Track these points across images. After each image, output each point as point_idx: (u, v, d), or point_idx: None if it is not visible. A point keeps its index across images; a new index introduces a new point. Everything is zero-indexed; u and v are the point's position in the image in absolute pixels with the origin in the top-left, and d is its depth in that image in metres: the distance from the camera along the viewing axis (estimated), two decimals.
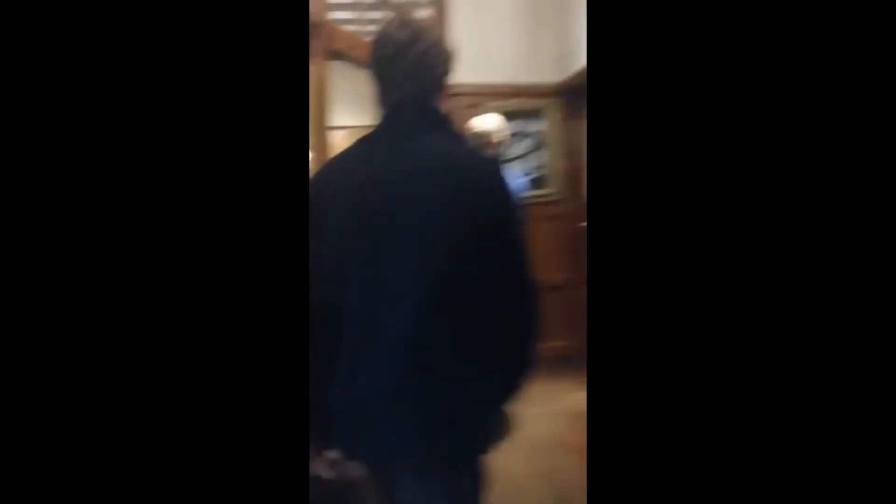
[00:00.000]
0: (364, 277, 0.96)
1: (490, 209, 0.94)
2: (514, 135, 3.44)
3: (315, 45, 1.96)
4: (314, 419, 0.87)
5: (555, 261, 3.51)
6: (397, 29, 1.01)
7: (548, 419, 2.75)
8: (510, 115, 3.44)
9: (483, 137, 2.28)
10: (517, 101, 3.53)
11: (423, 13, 3.24)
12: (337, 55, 2.35)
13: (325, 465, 1.10)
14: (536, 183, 3.57)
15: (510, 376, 1.01)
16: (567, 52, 3.41)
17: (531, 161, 3.61)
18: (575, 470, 2.24)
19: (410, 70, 0.99)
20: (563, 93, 3.54)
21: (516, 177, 2.72)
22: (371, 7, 3.10)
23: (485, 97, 3.40)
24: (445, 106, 1.06)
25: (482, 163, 1.01)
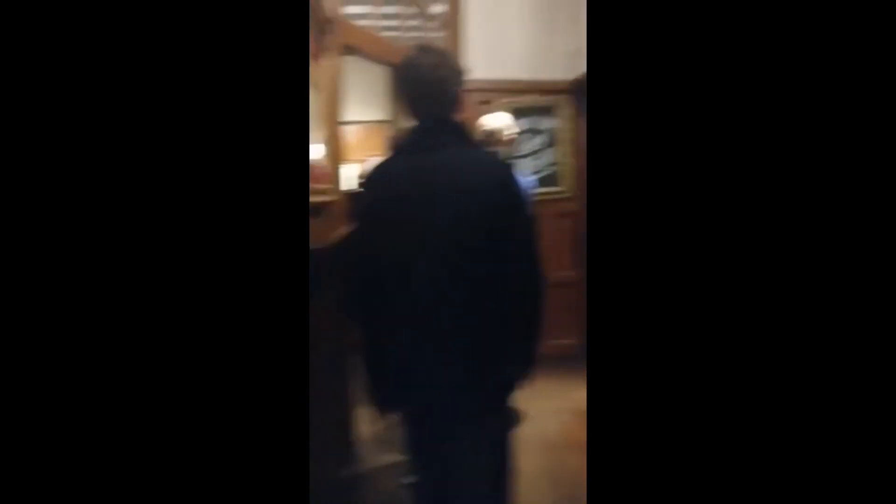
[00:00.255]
0: (406, 260, 1.21)
1: (503, 202, 1.19)
2: (526, 132, 3.43)
3: (329, 41, 1.96)
4: (373, 386, 1.29)
5: (565, 258, 3.50)
6: (422, 56, 1.28)
7: (557, 416, 2.75)
8: (523, 112, 3.43)
9: (493, 135, 2.29)
10: (530, 98, 3.52)
11: (438, 8, 3.24)
12: (351, 50, 2.36)
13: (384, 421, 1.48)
14: (548, 180, 3.56)
15: (526, 332, 1.26)
16: (579, 49, 3.39)
17: (543, 158, 3.60)
18: (584, 467, 2.24)
19: (434, 92, 1.26)
20: (575, 90, 3.52)
21: (526, 175, 2.72)
22: (385, 2, 3.10)
23: (497, 93, 3.40)
24: (461, 115, 1.31)
25: (496, 165, 1.24)
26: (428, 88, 1.27)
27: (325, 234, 1.47)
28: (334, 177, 1.98)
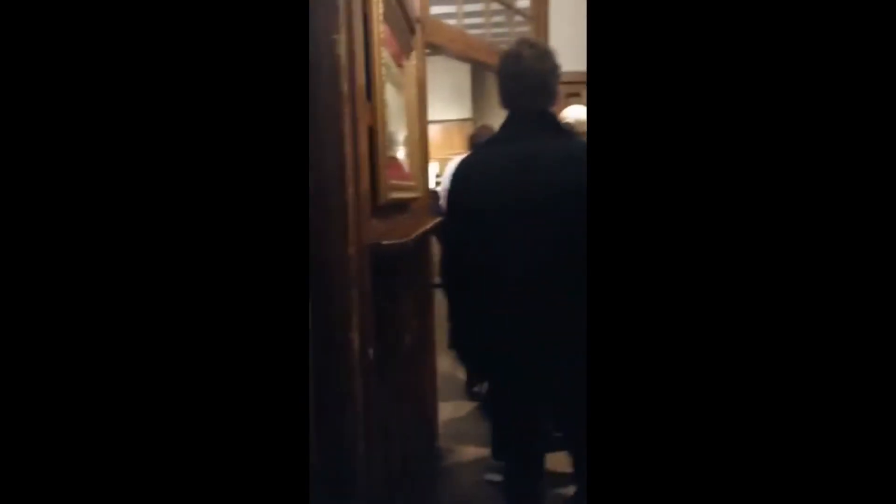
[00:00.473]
0: (498, 240, 1.29)
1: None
2: None
3: (415, 40, 1.99)
4: (466, 361, 1.48)
5: None
6: (525, 49, 1.34)
7: None
8: None
9: (574, 127, 2.31)
10: None
11: (524, 2, 3.21)
12: (436, 49, 2.39)
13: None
14: None
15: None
16: None
17: None
18: None
19: (536, 84, 1.32)
20: None
21: None
22: (470, 0, 3.11)
23: (584, 85, 3.33)
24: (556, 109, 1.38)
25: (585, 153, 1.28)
26: (531, 81, 1.31)
27: (412, 229, 1.51)
28: (421, 175, 2.01)
